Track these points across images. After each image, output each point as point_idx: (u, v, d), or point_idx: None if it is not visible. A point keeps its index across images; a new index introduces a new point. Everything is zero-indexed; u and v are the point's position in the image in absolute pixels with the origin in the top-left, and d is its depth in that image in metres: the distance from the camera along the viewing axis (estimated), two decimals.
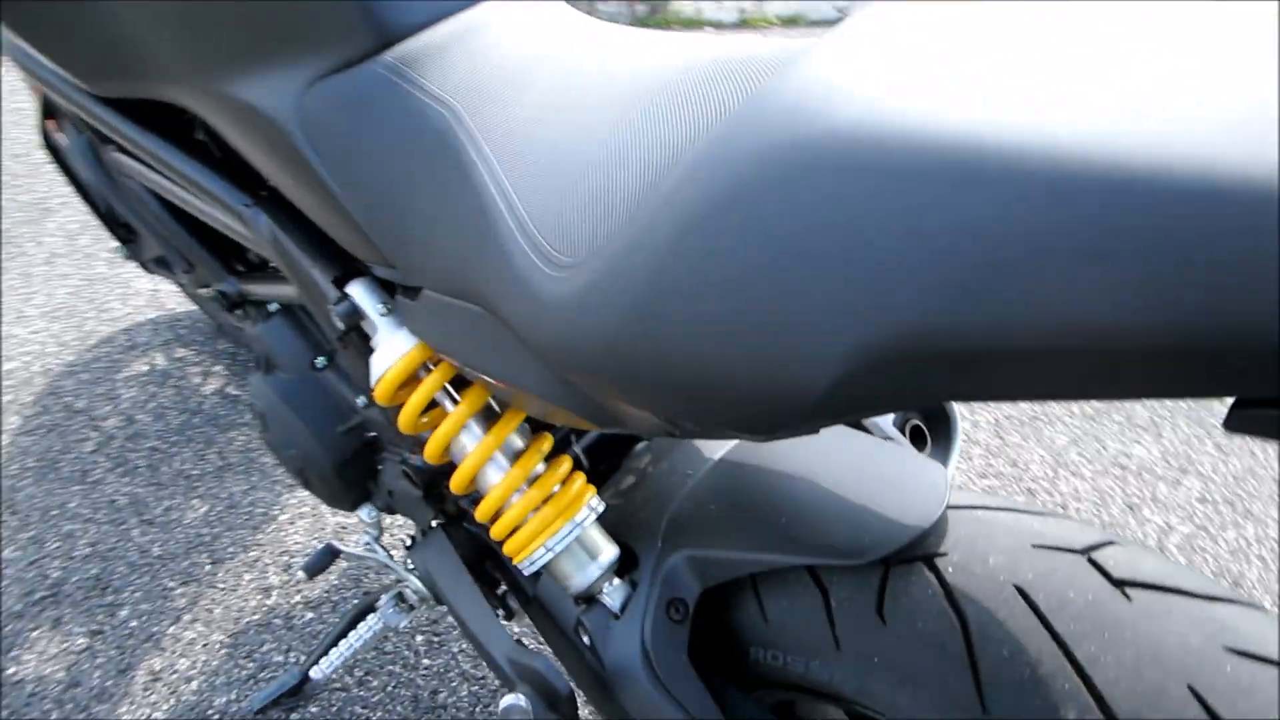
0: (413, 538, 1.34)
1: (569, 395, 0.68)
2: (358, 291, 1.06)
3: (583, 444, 1.18)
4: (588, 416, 0.69)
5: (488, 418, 1.04)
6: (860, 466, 1.00)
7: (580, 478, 1.06)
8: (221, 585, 1.94)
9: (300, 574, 1.64)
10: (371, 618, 1.43)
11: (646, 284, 0.50)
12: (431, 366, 1.04)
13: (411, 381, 1.04)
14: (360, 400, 1.38)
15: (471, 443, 1.02)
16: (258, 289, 1.44)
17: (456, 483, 1.03)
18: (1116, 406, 2.51)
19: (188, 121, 1.32)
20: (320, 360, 1.44)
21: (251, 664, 1.78)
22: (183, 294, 2.67)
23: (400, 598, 1.44)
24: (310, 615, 1.87)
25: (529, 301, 0.62)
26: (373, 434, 1.42)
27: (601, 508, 1.05)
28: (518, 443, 1.05)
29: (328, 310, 1.07)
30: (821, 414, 0.47)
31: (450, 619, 1.90)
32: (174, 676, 1.74)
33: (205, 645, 1.81)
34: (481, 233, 0.68)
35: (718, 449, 1.12)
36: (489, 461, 1.02)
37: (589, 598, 1.08)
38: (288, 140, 0.86)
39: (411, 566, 1.44)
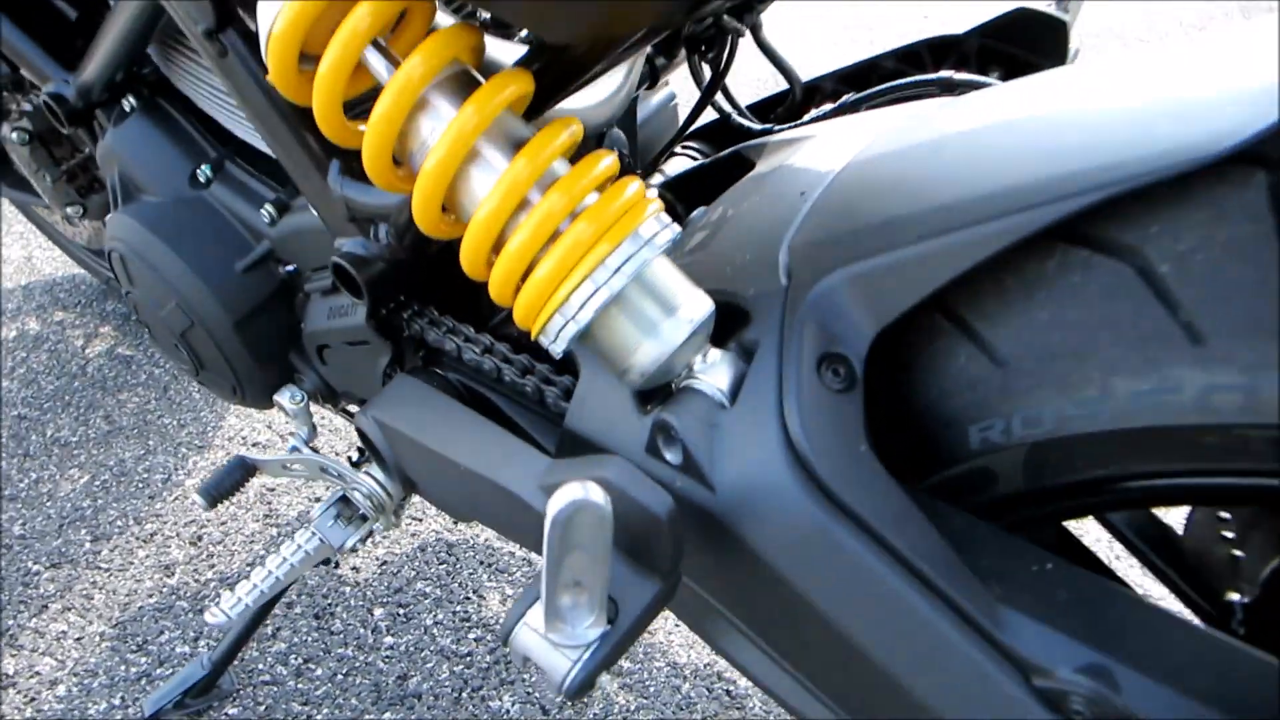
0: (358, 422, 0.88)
1: None
2: None
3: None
4: None
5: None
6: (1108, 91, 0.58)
7: (647, 196, 0.62)
8: (105, 565, 1.44)
9: (208, 534, 1.15)
10: (301, 536, 0.96)
11: None
12: None
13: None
14: (268, 212, 0.92)
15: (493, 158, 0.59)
16: (99, 65, 0.98)
17: (478, 232, 0.59)
18: None
19: None
20: (204, 170, 0.97)
21: (144, 658, 1.28)
22: (62, 252, 2.17)
23: (344, 504, 0.97)
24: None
25: None
26: (288, 266, 0.95)
27: (675, 232, 0.61)
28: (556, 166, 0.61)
29: None
30: None
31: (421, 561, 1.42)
32: (32, 681, 1.24)
33: (80, 639, 1.31)
34: None
35: (838, 159, 0.69)
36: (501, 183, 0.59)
37: (665, 391, 0.64)
38: None
39: (363, 459, 0.98)
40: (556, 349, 0.62)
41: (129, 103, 1.01)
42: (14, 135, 1.43)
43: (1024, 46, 0.90)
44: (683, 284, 0.62)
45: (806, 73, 1.04)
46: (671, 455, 0.62)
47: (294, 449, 1.04)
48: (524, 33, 0.88)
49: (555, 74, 0.67)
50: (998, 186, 0.55)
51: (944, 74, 0.82)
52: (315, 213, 0.86)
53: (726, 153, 0.91)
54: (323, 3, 0.60)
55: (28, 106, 1.45)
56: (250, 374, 1.02)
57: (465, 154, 0.60)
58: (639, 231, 0.60)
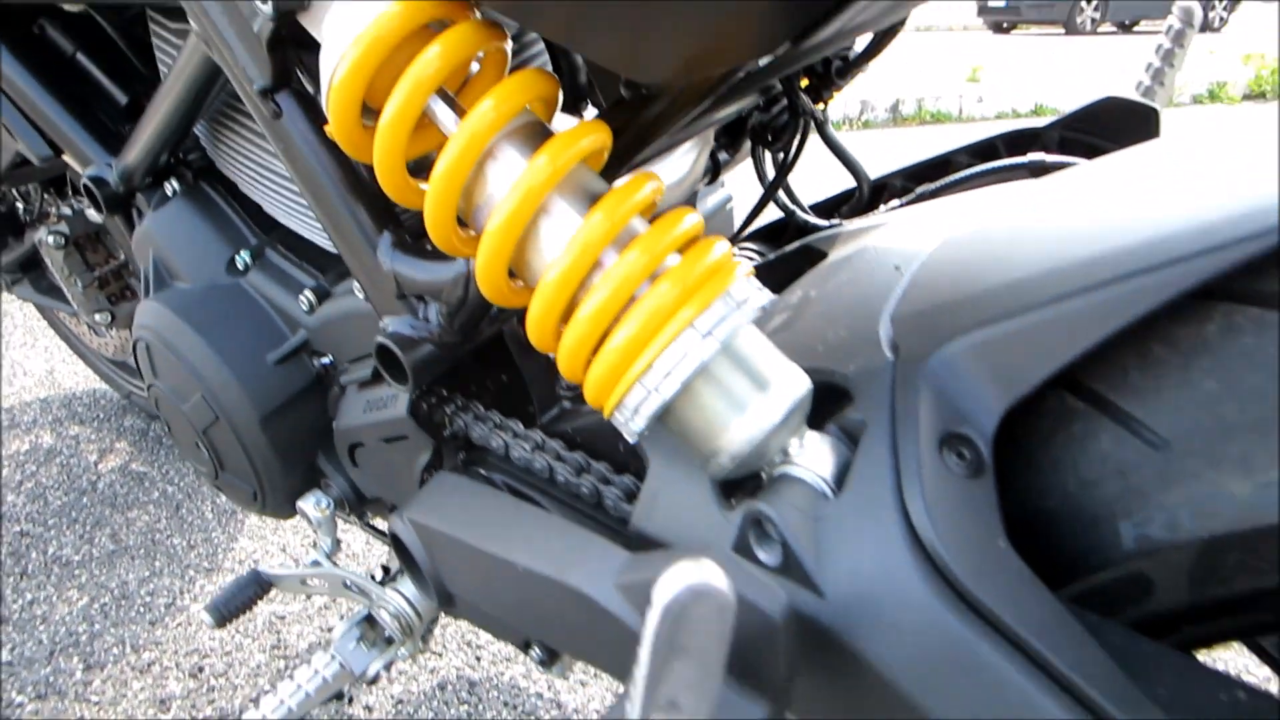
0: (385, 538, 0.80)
1: None
2: None
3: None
4: None
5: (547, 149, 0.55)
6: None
7: (733, 259, 0.56)
8: (95, 698, 1.32)
9: (210, 665, 1.05)
10: (320, 660, 0.85)
11: None
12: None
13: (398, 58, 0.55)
14: (306, 299, 0.86)
15: (563, 217, 0.54)
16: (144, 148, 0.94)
17: (548, 295, 0.53)
18: None
19: None
20: (243, 256, 0.93)
21: None
22: (82, 362, 2.13)
23: (368, 625, 0.86)
24: None
25: None
26: (323, 358, 0.89)
27: (769, 296, 0.55)
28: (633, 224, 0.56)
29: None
30: None
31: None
32: None
33: None
34: None
35: (933, 235, 0.64)
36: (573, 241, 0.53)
37: (754, 481, 0.56)
38: None
39: (391, 577, 0.88)
40: (634, 428, 0.54)
41: (171, 186, 0.97)
42: (50, 239, 1.41)
43: (1111, 136, 0.85)
44: (776, 357, 0.55)
45: (871, 170, 1.00)
46: (767, 555, 0.53)
47: (315, 563, 0.95)
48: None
49: (631, 133, 0.62)
50: (1141, 239, 0.48)
51: (1034, 157, 0.77)
52: (359, 296, 0.80)
53: (794, 245, 0.86)
54: (389, 48, 0.56)
55: (67, 211, 1.43)
56: (274, 476, 0.94)
57: (536, 208, 0.55)
58: (730, 292, 0.53)
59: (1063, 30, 13.06)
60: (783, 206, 0.97)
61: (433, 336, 0.74)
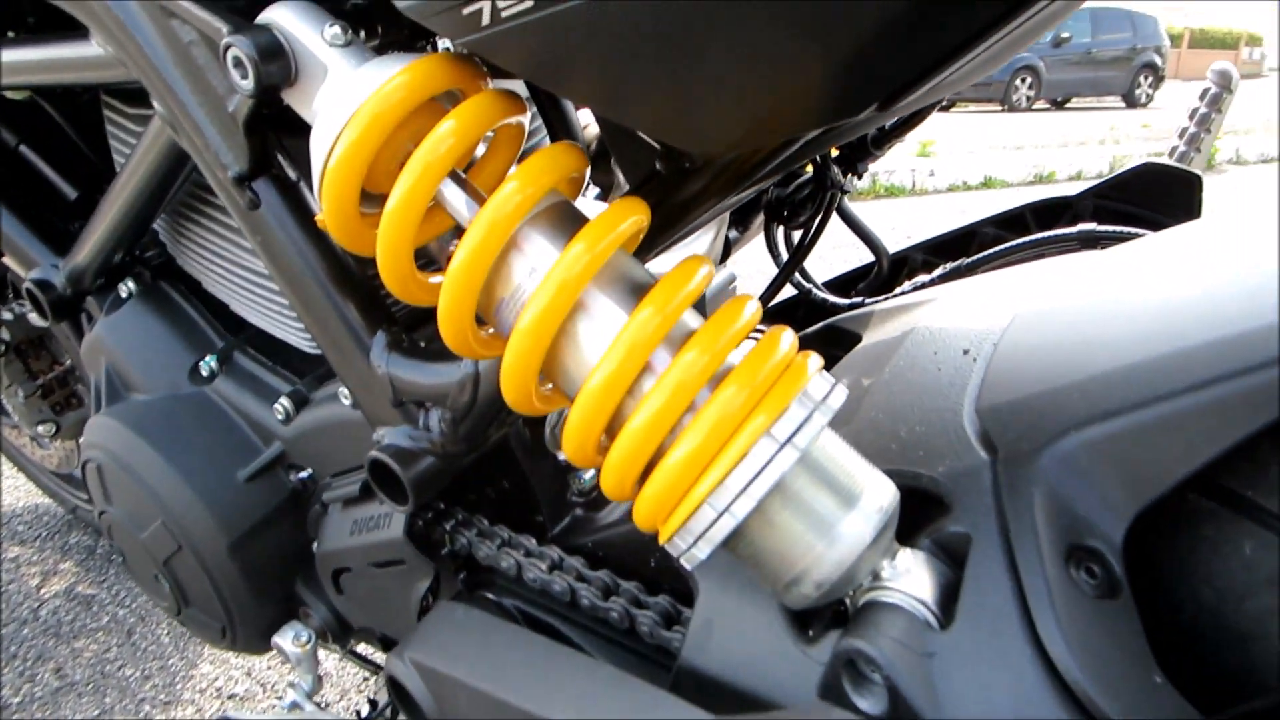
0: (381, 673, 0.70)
1: None
2: (284, 14, 0.53)
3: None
4: None
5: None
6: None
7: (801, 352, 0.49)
8: None
9: None
10: None
11: None
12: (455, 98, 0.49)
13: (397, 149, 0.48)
14: (283, 407, 0.77)
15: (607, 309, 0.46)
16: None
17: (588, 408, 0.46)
18: None
19: None
20: (209, 362, 0.84)
21: None
22: (23, 474, 1.99)
23: None
24: None
25: None
26: (302, 473, 0.80)
27: (844, 393, 0.47)
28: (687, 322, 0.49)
29: (222, 60, 0.53)
30: None
31: None
32: None
33: None
34: None
35: (998, 313, 0.58)
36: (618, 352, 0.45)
37: (835, 610, 0.48)
38: None
39: (379, 713, 0.77)
40: (697, 555, 0.46)
41: (127, 288, 0.88)
42: None
43: (1150, 204, 0.80)
44: (859, 463, 0.47)
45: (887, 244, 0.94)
46: (869, 702, 0.44)
47: (294, 704, 0.84)
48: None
49: (663, 213, 0.55)
50: None
51: (1085, 227, 0.71)
52: (345, 402, 0.72)
53: (818, 326, 0.79)
54: (393, 125, 0.49)
55: (6, 315, 1.33)
56: (246, 609, 0.83)
57: (573, 304, 0.47)
58: (808, 391, 0.45)
59: (1001, 107, 13.55)
60: (797, 285, 0.91)
61: (434, 447, 0.65)
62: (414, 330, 0.66)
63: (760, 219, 0.87)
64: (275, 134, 0.62)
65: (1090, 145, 7.55)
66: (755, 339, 0.49)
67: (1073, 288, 0.58)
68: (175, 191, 0.78)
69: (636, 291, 0.48)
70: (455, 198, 0.51)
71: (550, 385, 0.52)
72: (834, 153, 0.79)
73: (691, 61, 0.40)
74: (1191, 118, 0.97)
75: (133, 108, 0.80)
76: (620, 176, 0.84)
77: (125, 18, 0.63)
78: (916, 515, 0.50)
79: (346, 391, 0.71)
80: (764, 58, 0.39)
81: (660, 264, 0.62)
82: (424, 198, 0.49)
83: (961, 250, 0.89)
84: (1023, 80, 13.68)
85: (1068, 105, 14.68)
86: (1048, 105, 14.46)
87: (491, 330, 0.53)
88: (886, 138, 0.78)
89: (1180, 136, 0.97)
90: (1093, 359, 0.48)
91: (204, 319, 0.87)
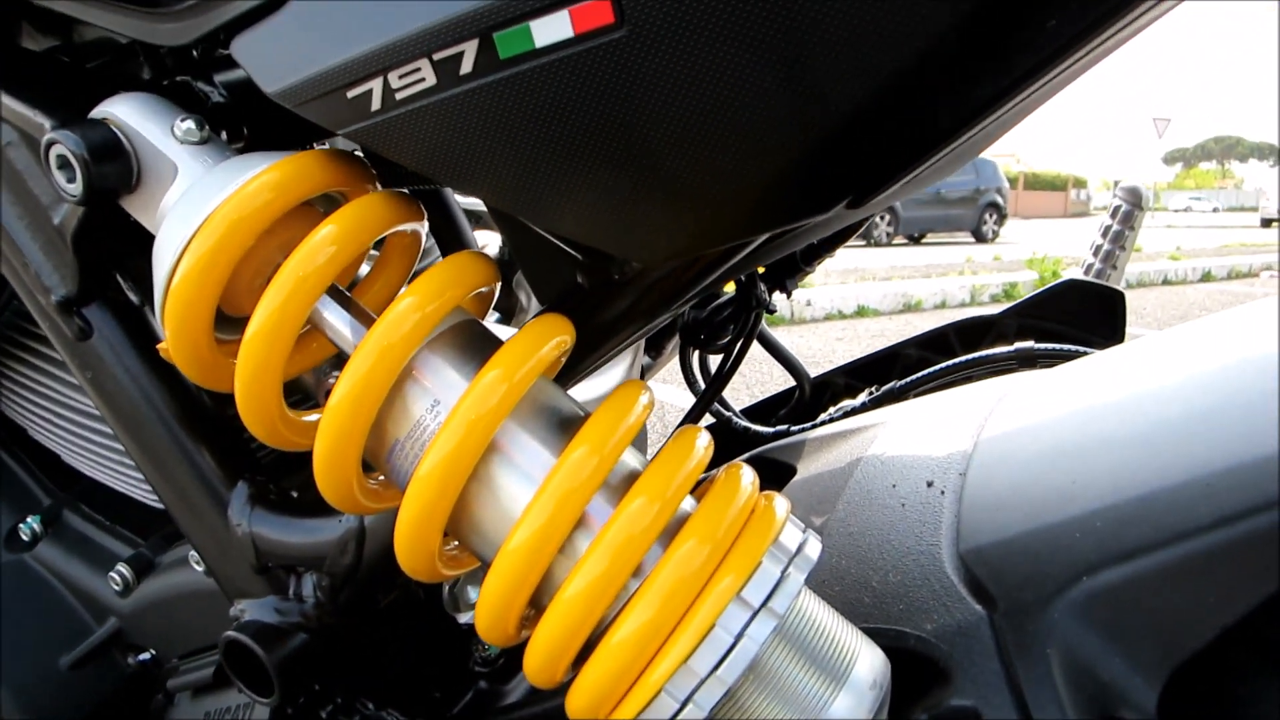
0: None
1: None
2: (124, 108, 0.44)
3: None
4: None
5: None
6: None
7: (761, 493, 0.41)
8: None
9: None
10: None
11: None
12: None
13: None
14: (120, 575, 0.65)
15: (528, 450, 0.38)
16: None
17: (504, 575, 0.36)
18: None
19: None
20: (30, 524, 0.70)
21: None
22: None
23: None
24: None
25: None
26: (142, 655, 0.66)
27: (818, 542, 0.39)
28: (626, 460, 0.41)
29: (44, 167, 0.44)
30: None
31: None
32: None
33: None
34: None
35: (959, 436, 0.53)
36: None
37: None
38: None
39: None
40: None
41: None
42: None
43: (1073, 321, 0.78)
44: (841, 625, 0.39)
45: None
46: None
47: None
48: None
49: (587, 332, 0.47)
50: None
51: (1022, 346, 0.68)
52: (197, 568, 0.59)
53: (744, 458, 0.72)
54: (256, 232, 0.40)
55: None
56: None
57: (486, 444, 0.38)
58: (781, 542, 0.37)
59: (864, 242, 14.34)
60: (715, 413, 0.84)
61: (307, 621, 0.53)
62: (282, 478, 0.55)
63: (675, 343, 0.81)
64: (112, 250, 0.52)
65: (951, 276, 7.99)
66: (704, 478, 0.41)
67: (1034, 410, 0.53)
68: None
69: (565, 427, 0.40)
70: (337, 318, 0.42)
71: (455, 544, 0.43)
72: (760, 270, 0.74)
73: (639, 152, 0.33)
74: (1105, 235, 0.99)
75: None
76: (523, 298, 0.77)
77: None
78: (905, 683, 0.41)
79: (197, 555, 0.59)
80: (729, 145, 0.32)
81: (577, 395, 0.53)
82: (297, 318, 0.40)
83: (885, 373, 0.84)
84: (883, 217, 14.58)
85: (923, 240, 15.67)
86: (905, 240, 15.40)
87: (381, 478, 0.43)
88: (816, 252, 0.73)
89: (1095, 254, 0.99)
90: (1091, 490, 0.42)
91: (28, 473, 0.73)
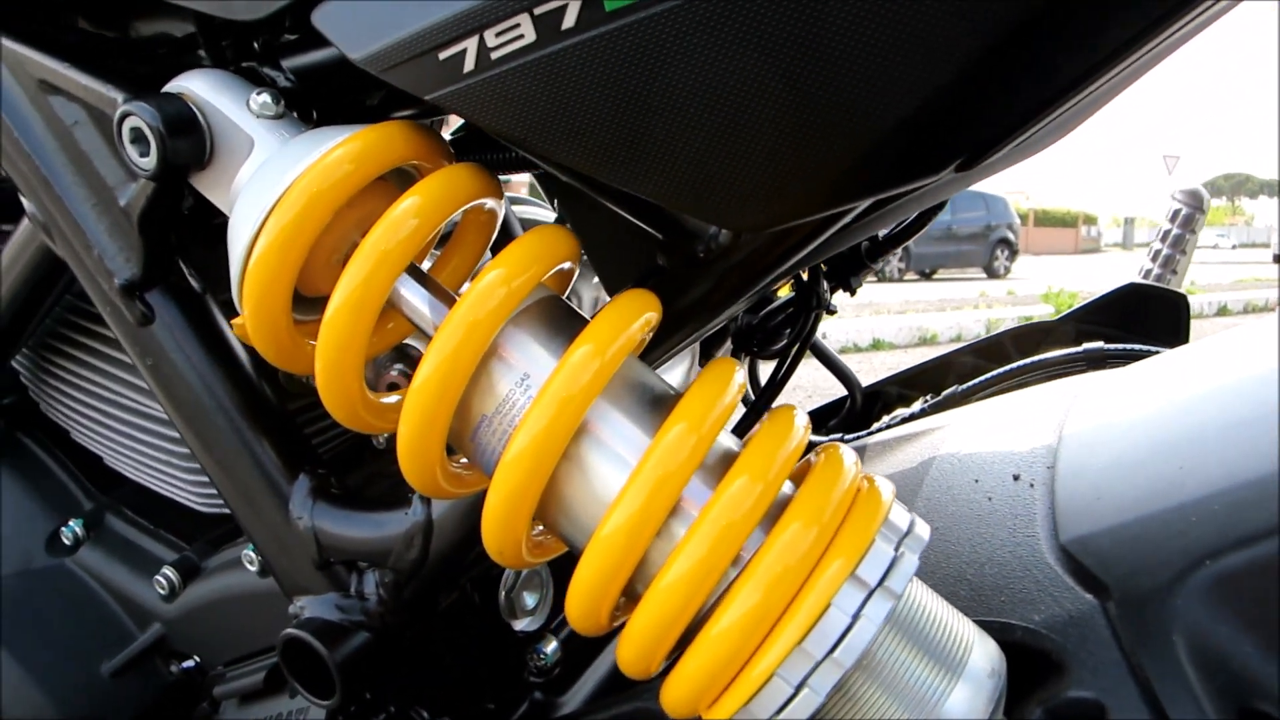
0: None
1: None
2: (198, 82, 0.43)
3: None
4: None
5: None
6: None
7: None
8: None
9: None
10: None
11: None
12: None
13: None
14: (166, 579, 0.63)
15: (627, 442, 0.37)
16: None
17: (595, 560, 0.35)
18: None
19: None
20: (72, 527, 0.69)
21: None
22: None
23: None
24: None
25: None
26: (186, 662, 0.64)
27: (927, 527, 0.37)
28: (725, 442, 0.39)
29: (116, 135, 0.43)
30: None
31: None
32: None
33: None
34: None
35: (1040, 432, 0.51)
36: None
37: None
38: None
39: None
40: None
41: None
42: None
43: (1134, 326, 0.76)
44: (953, 614, 0.37)
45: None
46: None
47: None
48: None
49: (668, 316, 0.46)
50: None
51: (1091, 346, 0.66)
52: (251, 568, 0.57)
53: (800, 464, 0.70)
54: (335, 206, 0.39)
55: None
56: None
57: (579, 424, 0.36)
58: (891, 522, 0.35)
59: (876, 277, 14.40)
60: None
61: (370, 619, 0.51)
62: (345, 473, 0.53)
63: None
64: (176, 234, 0.51)
65: (966, 309, 7.97)
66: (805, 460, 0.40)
67: (1118, 405, 0.51)
68: (43, 316, 0.65)
69: (658, 405, 0.38)
70: (415, 296, 0.40)
71: (541, 530, 0.41)
72: (823, 267, 0.72)
73: (746, 104, 0.32)
74: (1163, 240, 0.97)
75: None
76: (585, 292, 0.76)
77: None
78: (1017, 676, 0.39)
79: (253, 555, 0.57)
80: (843, 98, 0.31)
81: None
82: (380, 295, 0.39)
83: (938, 381, 0.83)
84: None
85: (935, 276, 15.68)
86: (917, 276, 15.41)
87: (464, 462, 0.42)
88: (882, 247, 0.72)
89: (1153, 259, 0.97)
90: (1200, 476, 0.40)
91: (70, 476, 0.72)
